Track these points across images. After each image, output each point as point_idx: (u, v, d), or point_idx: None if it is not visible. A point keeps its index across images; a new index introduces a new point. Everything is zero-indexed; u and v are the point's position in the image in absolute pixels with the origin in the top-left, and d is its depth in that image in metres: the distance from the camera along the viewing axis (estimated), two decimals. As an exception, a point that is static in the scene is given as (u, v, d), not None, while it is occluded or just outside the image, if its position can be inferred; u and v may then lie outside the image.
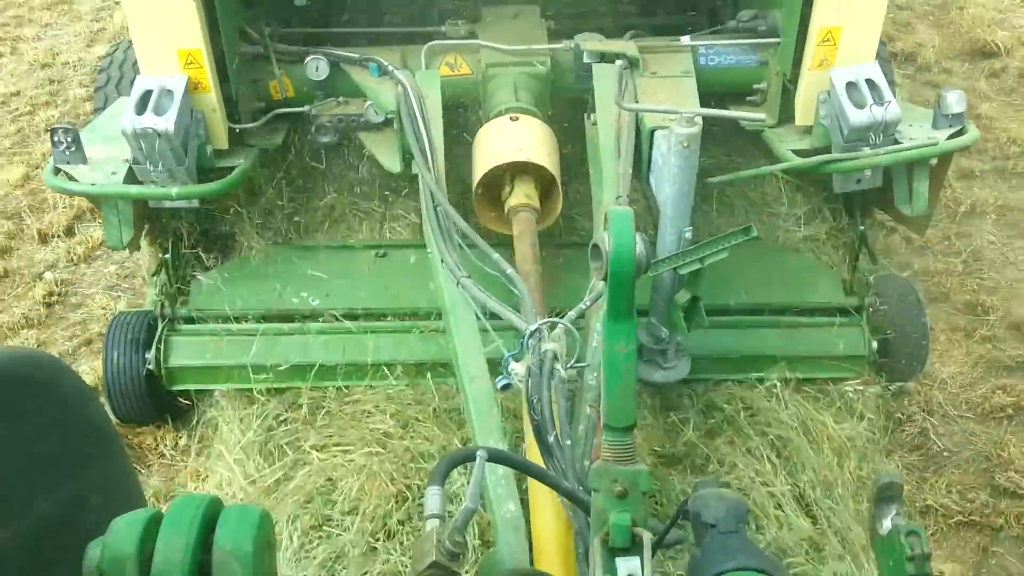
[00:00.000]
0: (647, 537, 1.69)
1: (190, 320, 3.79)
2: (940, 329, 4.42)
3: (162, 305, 3.75)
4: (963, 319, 4.53)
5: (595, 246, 1.69)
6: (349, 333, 3.70)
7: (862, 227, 4.02)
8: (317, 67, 3.84)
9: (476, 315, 3.10)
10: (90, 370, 4.22)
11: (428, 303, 3.69)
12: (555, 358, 2.45)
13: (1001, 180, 5.62)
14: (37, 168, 5.80)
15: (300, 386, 3.67)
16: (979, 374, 4.22)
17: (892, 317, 3.83)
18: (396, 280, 3.86)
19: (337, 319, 3.75)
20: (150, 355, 3.68)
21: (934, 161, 3.58)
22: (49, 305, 4.79)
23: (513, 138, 3.58)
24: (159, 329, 3.71)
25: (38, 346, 4.54)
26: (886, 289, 3.92)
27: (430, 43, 3.95)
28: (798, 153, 3.64)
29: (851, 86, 3.49)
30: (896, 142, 3.53)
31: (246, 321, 3.77)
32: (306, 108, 3.92)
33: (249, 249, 4.02)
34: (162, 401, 3.82)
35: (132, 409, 3.80)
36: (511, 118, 3.66)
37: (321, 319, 3.75)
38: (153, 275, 3.90)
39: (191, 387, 3.79)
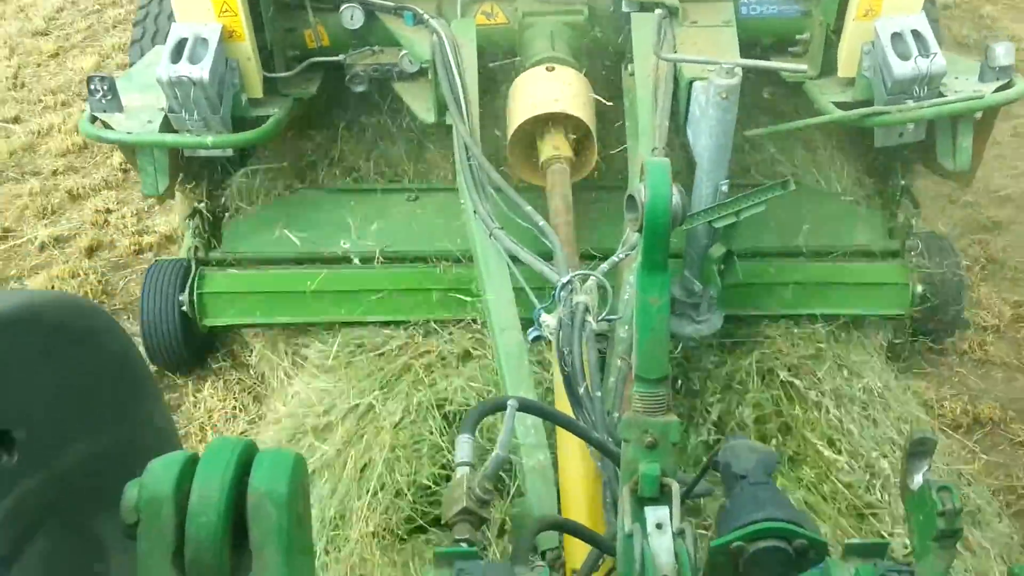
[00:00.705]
0: (676, 487, 1.69)
1: (223, 262, 3.84)
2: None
3: (196, 248, 3.80)
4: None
5: (631, 197, 1.66)
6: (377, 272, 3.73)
7: (903, 181, 3.95)
8: (352, 15, 3.81)
9: (508, 266, 3.10)
10: (163, 223, 4.88)
11: (458, 246, 3.69)
12: (586, 310, 2.45)
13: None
14: (107, 57, 6.65)
15: (332, 319, 3.71)
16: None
17: (931, 272, 3.80)
18: (427, 223, 3.87)
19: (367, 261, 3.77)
20: (183, 296, 3.74)
21: (979, 115, 3.49)
22: (125, 171, 5.33)
23: (549, 89, 3.54)
24: (193, 270, 3.77)
25: (117, 204, 5.15)
26: (926, 244, 3.87)
27: None
28: (840, 106, 3.57)
29: (896, 37, 3.40)
30: (941, 95, 3.44)
31: (278, 265, 3.81)
32: (341, 57, 3.89)
33: (282, 192, 4.06)
34: (197, 345, 3.91)
35: (168, 353, 3.88)
36: (547, 68, 3.61)
37: (353, 261, 3.78)
38: (187, 218, 3.94)
39: (224, 322, 3.83)
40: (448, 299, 3.66)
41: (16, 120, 6.01)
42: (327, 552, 3.05)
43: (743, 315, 3.70)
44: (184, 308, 3.75)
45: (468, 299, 3.61)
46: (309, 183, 4.16)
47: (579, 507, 2.57)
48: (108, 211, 5.12)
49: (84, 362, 1.66)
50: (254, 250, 3.86)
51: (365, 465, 3.23)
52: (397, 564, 3.02)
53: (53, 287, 4.54)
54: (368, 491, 3.13)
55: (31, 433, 1.50)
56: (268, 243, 3.87)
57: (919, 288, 3.75)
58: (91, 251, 4.82)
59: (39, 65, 6.72)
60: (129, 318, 4.26)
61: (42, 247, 4.88)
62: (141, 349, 3.79)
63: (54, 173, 5.42)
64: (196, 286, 3.75)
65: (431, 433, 3.26)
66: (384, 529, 3.08)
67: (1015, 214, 4.95)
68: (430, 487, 3.16)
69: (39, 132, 5.82)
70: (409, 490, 3.14)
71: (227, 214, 4.01)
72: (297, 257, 3.83)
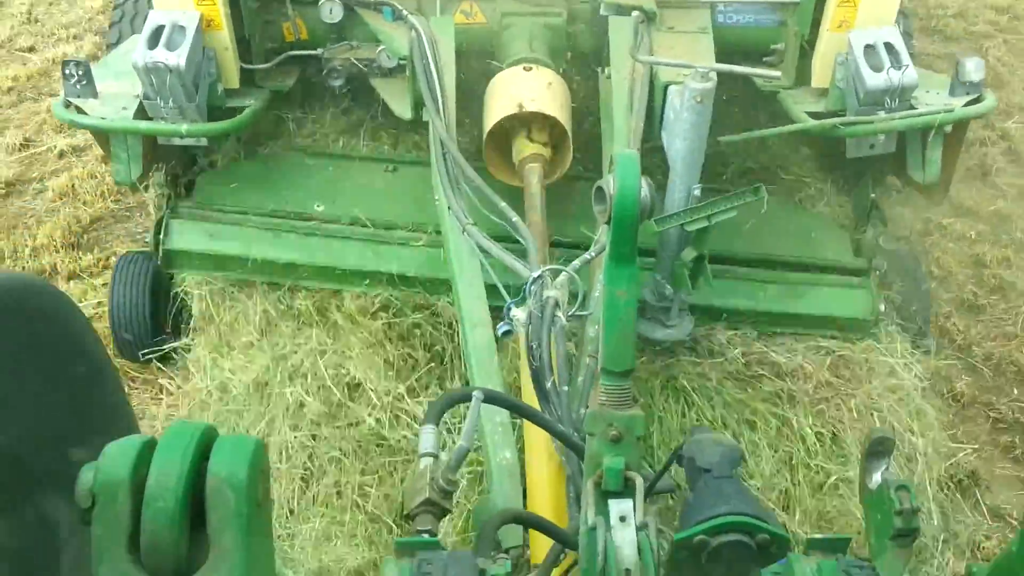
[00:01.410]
0: (639, 481, 1.70)
1: (193, 216, 3.76)
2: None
3: (168, 197, 3.74)
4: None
5: (599, 188, 1.68)
6: (346, 239, 3.70)
7: (873, 194, 4.00)
8: (331, 9, 3.81)
9: (480, 262, 3.10)
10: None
11: (431, 219, 3.66)
12: (556, 305, 2.46)
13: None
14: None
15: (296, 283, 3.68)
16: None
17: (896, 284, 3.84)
18: (403, 194, 3.87)
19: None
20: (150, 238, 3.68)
21: (949, 128, 3.55)
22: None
23: (525, 88, 3.55)
24: (162, 216, 3.70)
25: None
26: (891, 259, 3.91)
27: None
28: (813, 115, 3.61)
29: (869, 49, 3.45)
30: (912, 107, 3.49)
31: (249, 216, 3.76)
32: (319, 51, 3.89)
33: (259, 149, 4.06)
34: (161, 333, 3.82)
35: (136, 339, 3.80)
36: (524, 68, 3.63)
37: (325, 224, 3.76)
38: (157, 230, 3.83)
39: (190, 273, 3.74)
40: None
41: (31, 49, 6.55)
42: None
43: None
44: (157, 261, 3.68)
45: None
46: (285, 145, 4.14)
47: (544, 503, 2.58)
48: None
49: (40, 343, 1.65)
50: (224, 202, 3.80)
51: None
52: None
53: (74, 187, 4.97)
54: None
55: None
56: (240, 197, 3.82)
57: (881, 307, 3.79)
58: (106, 159, 4.66)
59: (51, 4, 7.22)
60: (142, 215, 4.68)
61: (61, 154, 5.28)
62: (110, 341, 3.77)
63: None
64: (163, 235, 3.67)
65: None
66: None
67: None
68: None
69: (53, 60, 6.28)
70: None
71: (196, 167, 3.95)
72: (269, 214, 3.77)
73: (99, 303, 4.11)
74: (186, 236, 3.71)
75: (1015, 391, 3.86)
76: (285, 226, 3.73)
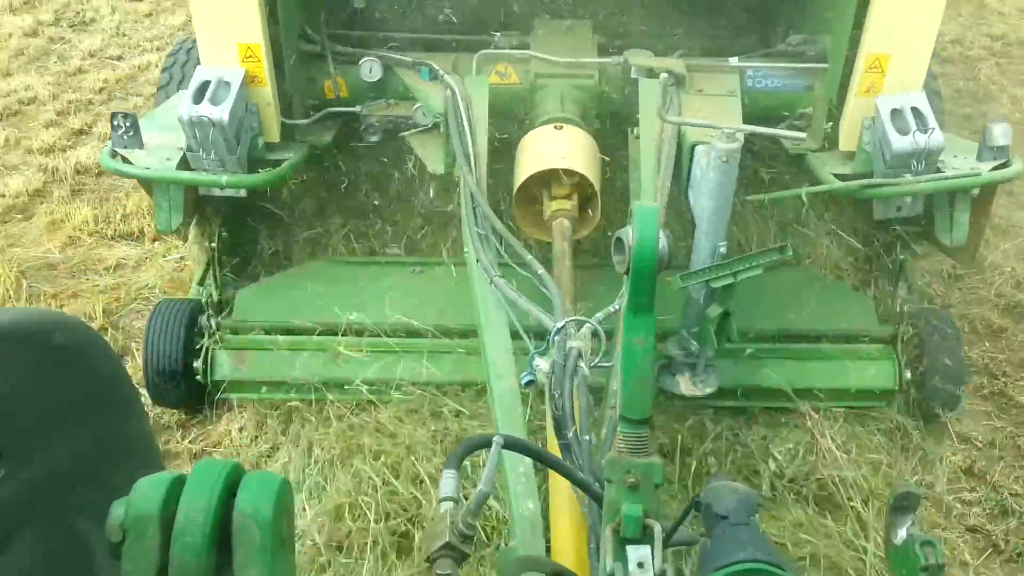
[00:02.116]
0: (658, 528, 1.72)
1: (234, 332, 3.87)
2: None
3: (208, 315, 3.84)
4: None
5: (618, 239, 1.72)
6: (384, 352, 3.78)
7: (902, 257, 4.01)
8: (371, 69, 3.95)
9: (507, 315, 3.15)
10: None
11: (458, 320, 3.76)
12: (579, 356, 2.49)
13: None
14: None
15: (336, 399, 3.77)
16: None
17: (927, 349, 3.81)
18: (431, 296, 3.96)
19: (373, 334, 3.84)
20: (197, 364, 3.78)
21: (976, 192, 3.57)
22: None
23: (556, 145, 3.64)
24: (205, 343, 3.80)
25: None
26: (921, 320, 3.89)
27: (482, 51, 4.03)
28: (840, 178, 3.65)
29: (896, 113, 3.50)
30: (939, 171, 3.52)
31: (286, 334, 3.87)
32: (357, 108, 4.01)
33: (289, 263, 4.22)
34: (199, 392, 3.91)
35: (170, 396, 3.90)
36: (555, 127, 3.72)
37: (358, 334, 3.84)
38: (200, 280, 3.99)
39: (234, 396, 3.88)
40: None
41: (119, 58, 7.70)
42: None
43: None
44: (199, 377, 3.78)
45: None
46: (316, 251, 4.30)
47: (567, 553, 2.58)
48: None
49: (71, 378, 1.71)
50: (263, 319, 3.91)
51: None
52: None
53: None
54: None
55: (13, 443, 1.54)
56: (277, 313, 3.92)
57: (907, 375, 3.78)
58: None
59: (136, 21, 8.48)
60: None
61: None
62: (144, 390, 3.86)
63: (152, 95, 5.98)
64: (208, 365, 3.78)
65: None
66: None
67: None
68: None
69: (139, 67, 7.49)
70: None
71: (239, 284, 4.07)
72: (304, 329, 3.87)
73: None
74: (228, 366, 3.82)
75: (986, 344, 4.53)
76: (319, 344, 3.82)
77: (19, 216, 5.49)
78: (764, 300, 3.74)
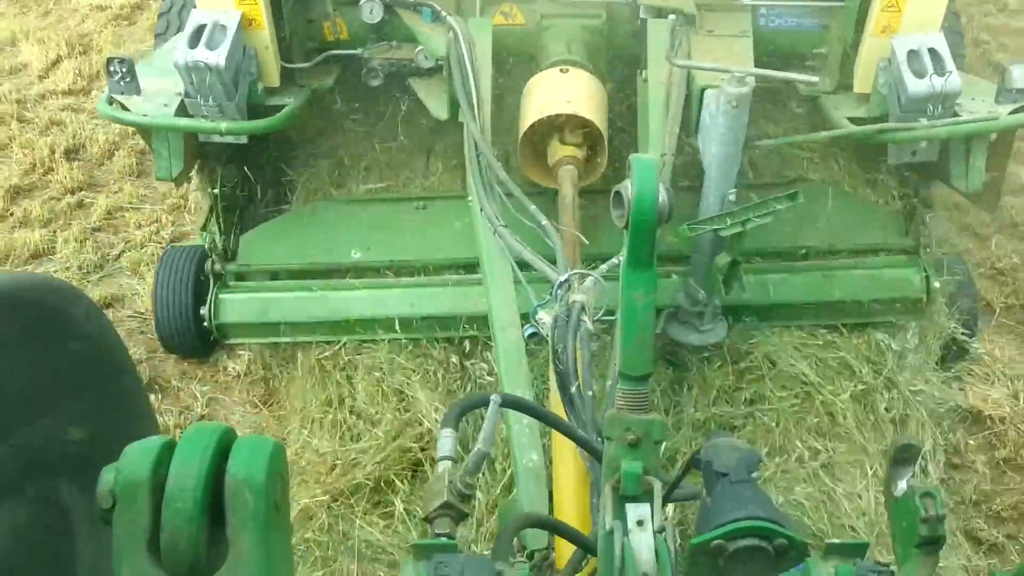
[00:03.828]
0: (658, 485, 1.69)
1: (240, 276, 3.88)
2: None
3: (213, 262, 3.84)
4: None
5: (617, 193, 1.67)
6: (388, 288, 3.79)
7: (916, 199, 3.93)
8: (371, 9, 3.83)
9: (511, 265, 3.10)
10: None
11: (465, 254, 3.72)
12: (582, 309, 2.45)
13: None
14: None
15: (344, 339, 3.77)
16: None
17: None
18: (437, 232, 3.92)
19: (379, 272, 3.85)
20: (204, 311, 3.81)
21: (993, 136, 3.47)
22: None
23: (562, 90, 3.55)
24: (211, 288, 3.82)
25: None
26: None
27: None
28: (854, 121, 3.56)
29: (912, 54, 3.38)
30: (956, 115, 3.42)
31: (292, 277, 3.89)
32: (358, 51, 3.92)
33: (294, 203, 4.17)
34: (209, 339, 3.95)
35: (182, 344, 3.95)
36: (561, 70, 3.63)
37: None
38: (204, 226, 3.96)
39: (242, 340, 3.93)
40: None
41: None
42: None
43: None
44: (205, 323, 3.82)
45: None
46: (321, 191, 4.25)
47: (570, 508, 2.58)
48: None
49: (63, 342, 1.69)
50: (268, 263, 3.91)
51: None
52: None
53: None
54: None
55: (3, 409, 1.52)
56: (282, 255, 3.92)
57: (936, 284, 3.75)
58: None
59: None
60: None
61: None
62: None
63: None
64: (214, 310, 3.80)
65: None
66: None
67: None
68: None
69: None
70: None
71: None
72: (310, 269, 3.88)
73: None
74: (236, 310, 3.83)
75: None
76: (325, 285, 3.83)
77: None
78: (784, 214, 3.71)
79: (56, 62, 6.47)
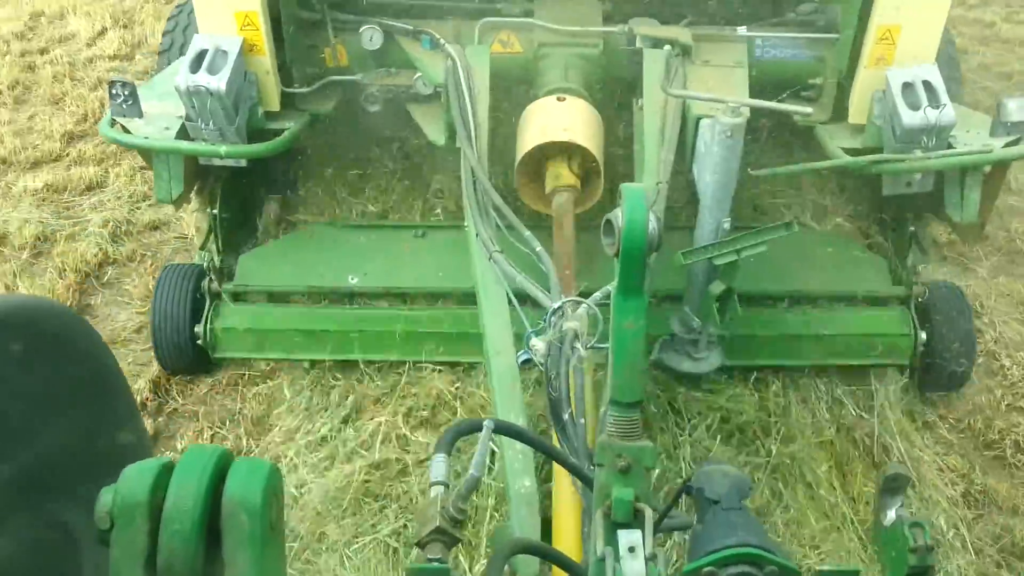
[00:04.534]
0: (649, 512, 1.69)
1: (236, 296, 3.91)
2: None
3: (210, 280, 3.87)
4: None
5: (608, 222, 1.68)
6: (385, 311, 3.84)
7: (912, 227, 3.95)
8: (371, 37, 3.88)
9: (506, 291, 3.11)
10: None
11: (462, 284, 3.74)
12: (576, 337, 2.46)
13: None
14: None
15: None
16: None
17: (938, 320, 3.83)
18: (434, 260, 3.95)
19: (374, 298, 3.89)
20: (199, 328, 3.84)
21: (987, 169, 3.50)
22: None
23: (558, 118, 3.58)
24: (207, 307, 3.86)
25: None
26: (933, 292, 3.89)
27: (484, 19, 3.95)
28: (849, 152, 3.58)
29: (907, 87, 3.42)
30: (950, 146, 3.44)
31: (288, 299, 3.93)
32: (358, 76, 3.96)
33: (292, 227, 4.21)
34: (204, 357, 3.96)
35: (178, 361, 3.96)
36: (558, 98, 3.66)
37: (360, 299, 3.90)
38: (203, 245, 3.99)
39: (235, 355, 3.95)
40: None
41: None
42: None
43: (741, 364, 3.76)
44: (200, 341, 3.84)
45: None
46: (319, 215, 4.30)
47: (567, 537, 2.57)
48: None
49: (59, 366, 1.70)
50: (266, 284, 3.94)
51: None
52: None
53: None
54: None
55: (4, 425, 1.53)
56: (279, 277, 3.96)
57: (923, 336, 3.76)
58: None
59: None
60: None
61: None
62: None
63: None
64: (210, 326, 3.84)
65: None
66: None
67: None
68: None
69: None
70: None
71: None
72: (306, 292, 3.92)
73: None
74: (231, 329, 3.86)
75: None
76: (321, 309, 3.89)
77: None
78: (774, 260, 3.73)
79: (102, 32, 7.38)
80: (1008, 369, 4.20)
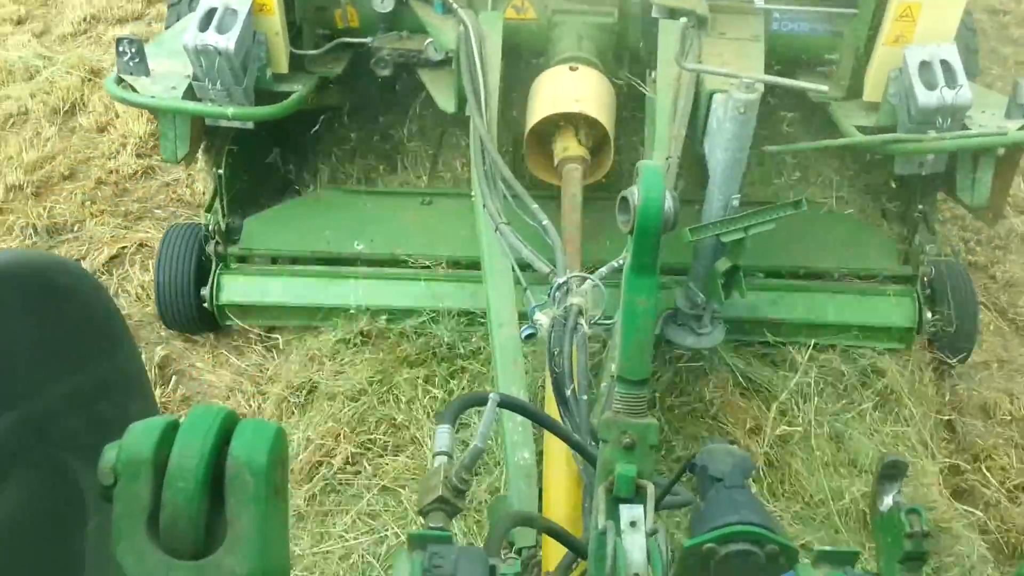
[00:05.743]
0: (651, 488, 1.70)
1: (242, 259, 3.90)
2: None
3: (216, 243, 3.84)
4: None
5: (623, 199, 1.67)
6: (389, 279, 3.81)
7: (922, 206, 3.92)
8: (383, -1, 3.83)
9: (511, 263, 3.10)
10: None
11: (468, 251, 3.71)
12: (580, 312, 2.44)
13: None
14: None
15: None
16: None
17: (943, 298, 3.83)
18: (439, 227, 3.93)
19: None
20: (204, 291, 3.83)
21: (1001, 151, 3.46)
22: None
23: (570, 88, 3.54)
24: (213, 269, 3.84)
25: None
26: (939, 270, 3.89)
27: None
28: (863, 130, 3.55)
29: (924, 66, 3.37)
30: (965, 127, 3.41)
31: (293, 262, 3.91)
32: (368, 39, 3.91)
33: (298, 192, 4.19)
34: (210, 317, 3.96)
35: (183, 320, 3.96)
36: (570, 68, 3.61)
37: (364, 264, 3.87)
38: (209, 207, 3.96)
39: (240, 323, 3.94)
40: None
41: None
42: None
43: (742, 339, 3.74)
44: (205, 304, 3.84)
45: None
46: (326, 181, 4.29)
47: (559, 509, 2.57)
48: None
49: (64, 319, 1.70)
50: (271, 248, 3.93)
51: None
52: None
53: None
54: None
55: (4, 379, 1.53)
56: (284, 241, 3.94)
57: (928, 315, 3.75)
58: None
59: None
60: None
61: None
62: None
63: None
64: (215, 291, 3.83)
65: None
66: None
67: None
68: None
69: None
70: None
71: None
72: (311, 257, 3.90)
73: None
74: (236, 292, 3.86)
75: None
76: (328, 272, 3.87)
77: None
78: (781, 236, 3.72)
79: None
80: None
